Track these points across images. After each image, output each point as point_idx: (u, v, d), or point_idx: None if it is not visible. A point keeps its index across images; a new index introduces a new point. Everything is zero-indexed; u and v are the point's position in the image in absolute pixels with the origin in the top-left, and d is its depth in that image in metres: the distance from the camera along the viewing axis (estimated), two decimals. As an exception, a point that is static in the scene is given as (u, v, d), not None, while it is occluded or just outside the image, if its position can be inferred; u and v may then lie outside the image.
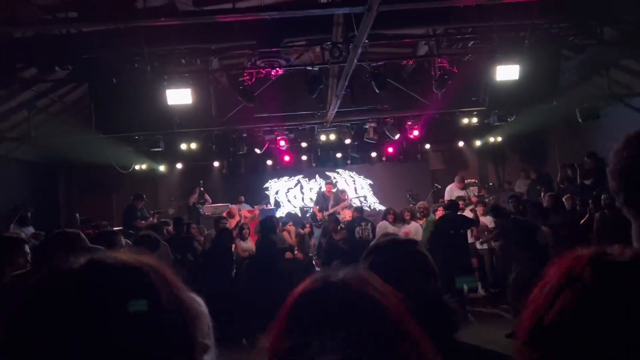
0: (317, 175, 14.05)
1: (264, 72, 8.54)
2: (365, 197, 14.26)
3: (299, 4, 6.15)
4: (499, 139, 13.52)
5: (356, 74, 7.81)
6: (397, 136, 11.88)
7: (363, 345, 0.73)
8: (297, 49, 8.67)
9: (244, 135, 11.74)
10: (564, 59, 8.56)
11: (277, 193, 14.30)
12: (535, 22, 7.68)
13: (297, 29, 7.41)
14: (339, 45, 7.05)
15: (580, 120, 10.24)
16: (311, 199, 13.52)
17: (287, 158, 13.61)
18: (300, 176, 14.34)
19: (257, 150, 12.45)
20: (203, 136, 11.46)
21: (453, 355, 0.78)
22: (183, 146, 11.45)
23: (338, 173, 14.43)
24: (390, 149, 13.81)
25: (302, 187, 14.32)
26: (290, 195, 14.34)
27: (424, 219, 9.60)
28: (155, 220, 9.86)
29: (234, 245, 8.59)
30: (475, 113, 11.19)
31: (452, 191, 11.40)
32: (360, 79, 8.75)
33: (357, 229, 9.22)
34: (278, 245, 8.33)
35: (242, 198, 12.25)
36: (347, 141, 12.38)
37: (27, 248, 3.22)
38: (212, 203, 12.40)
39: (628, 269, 0.72)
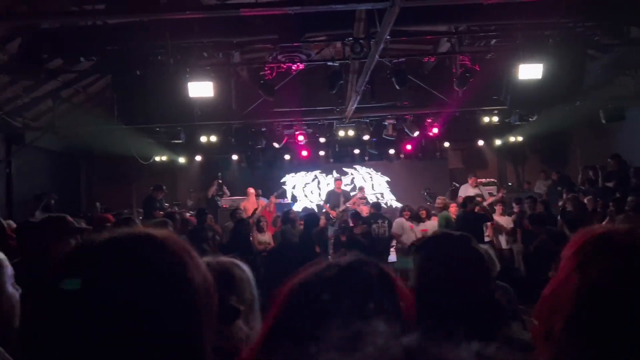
0: (334, 171, 14.06)
1: (284, 66, 8.57)
2: (382, 194, 14.22)
3: (322, -1, 6.15)
4: (520, 138, 13.35)
5: (376, 70, 7.79)
6: (416, 133, 11.81)
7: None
8: (318, 44, 8.68)
9: (263, 129, 11.81)
10: (589, 59, 8.42)
11: (294, 188, 14.35)
12: (560, 21, 7.56)
13: (318, 24, 7.41)
14: (361, 41, 7.05)
15: (603, 121, 10.07)
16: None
17: (304, 153, 13.63)
18: (318, 171, 14.36)
19: (276, 145, 12.51)
20: (223, 129, 11.55)
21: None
22: (203, 139, 11.56)
23: (355, 169, 14.42)
24: (408, 146, 13.75)
25: (319, 183, 14.34)
26: (307, 190, 14.38)
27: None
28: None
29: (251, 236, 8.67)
30: (496, 112, 11.08)
31: (466, 190, 11.34)
32: (381, 75, 8.73)
33: (374, 225, 9.21)
34: (296, 239, 8.37)
35: (259, 191, 12.32)
36: (366, 137, 12.35)
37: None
38: (230, 196, 12.50)
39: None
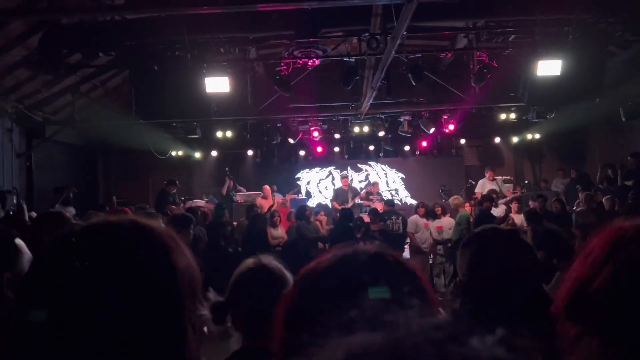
0: (348, 167, 14.04)
1: (300, 62, 8.57)
2: (396, 190, 14.18)
3: (339, -6, 6.15)
4: (537, 136, 13.20)
5: (392, 66, 7.75)
6: (432, 130, 11.74)
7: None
8: (334, 39, 8.66)
9: (278, 125, 11.85)
10: (609, 55, 8.28)
11: (308, 183, 14.38)
12: (580, 17, 7.44)
13: (335, 19, 7.40)
14: (377, 36, 7.01)
15: (623, 119, 9.91)
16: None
17: (319, 149, 13.65)
18: (332, 167, 14.36)
19: (291, 140, 12.53)
20: (238, 125, 11.61)
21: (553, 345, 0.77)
22: (219, 134, 11.63)
23: (370, 166, 14.39)
24: (424, 143, 13.68)
25: (333, 179, 14.35)
26: (322, 186, 14.39)
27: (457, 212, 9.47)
28: (185, 207, 10.04)
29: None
30: (513, 109, 10.96)
31: (484, 184, 11.27)
32: (396, 71, 8.68)
33: (388, 222, 9.20)
34: (311, 234, 8.40)
35: (275, 187, 12.36)
36: (381, 134, 12.32)
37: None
38: (245, 192, 12.56)
39: None
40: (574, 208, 9.32)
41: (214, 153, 13.91)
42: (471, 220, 9.07)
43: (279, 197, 11.11)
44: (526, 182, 13.57)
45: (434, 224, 9.45)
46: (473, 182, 12.43)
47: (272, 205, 10.19)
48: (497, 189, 10.76)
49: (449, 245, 9.28)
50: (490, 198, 9.02)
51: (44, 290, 0.74)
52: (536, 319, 0.84)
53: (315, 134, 12.07)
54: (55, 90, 9.58)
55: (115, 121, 10.08)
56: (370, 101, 9.39)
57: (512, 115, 11.26)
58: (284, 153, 14.37)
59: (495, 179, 11.39)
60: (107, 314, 0.72)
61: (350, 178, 12.76)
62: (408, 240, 9.41)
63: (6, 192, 8.32)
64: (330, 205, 13.08)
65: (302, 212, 8.97)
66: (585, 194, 8.67)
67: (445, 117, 11.65)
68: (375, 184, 12.23)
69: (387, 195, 12.67)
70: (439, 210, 9.63)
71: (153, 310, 0.75)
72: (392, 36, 6.31)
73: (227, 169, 12.72)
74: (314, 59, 8.49)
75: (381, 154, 14.34)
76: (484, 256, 1.54)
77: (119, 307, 0.72)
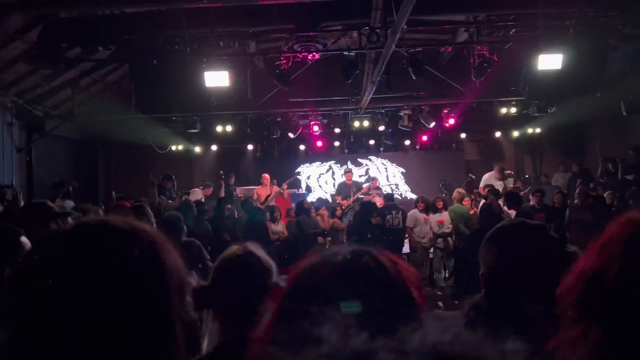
0: (349, 162, 14.03)
1: (300, 56, 8.55)
2: (397, 185, 14.17)
3: (339, -13, 6.12)
4: (538, 130, 13.17)
5: (392, 61, 7.73)
6: (433, 124, 11.72)
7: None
8: (334, 33, 8.63)
9: (278, 119, 11.84)
10: (610, 49, 8.24)
11: (308, 178, 14.37)
12: (581, 10, 7.41)
13: (334, 13, 7.37)
14: (377, 30, 6.99)
15: (624, 113, 9.88)
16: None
17: (319, 143, 13.63)
18: (332, 162, 14.35)
19: (291, 135, 12.52)
20: (238, 119, 11.59)
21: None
22: (218, 128, 11.62)
23: (370, 160, 14.38)
24: (424, 138, 13.65)
25: (333, 173, 14.34)
26: (322, 180, 14.39)
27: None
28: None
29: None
30: (514, 103, 10.94)
31: (489, 179, 11.20)
32: (396, 65, 8.65)
33: (388, 216, 9.20)
34: (311, 229, 8.41)
35: (275, 181, 12.36)
36: (381, 128, 12.30)
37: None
38: (244, 186, 12.55)
39: None
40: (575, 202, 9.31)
41: (214, 147, 13.90)
42: (471, 213, 9.06)
43: (276, 187, 11.10)
44: (526, 176, 13.57)
45: (434, 218, 9.44)
46: (473, 177, 12.41)
47: (269, 195, 10.18)
48: (501, 188, 10.65)
49: (450, 239, 9.28)
50: (496, 192, 9.00)
51: (32, 287, 0.75)
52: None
53: (315, 128, 12.06)
54: (55, 84, 9.56)
55: (115, 115, 10.07)
56: (371, 95, 9.37)
57: (513, 110, 11.24)
58: (284, 147, 14.36)
59: (506, 178, 11.28)
60: (94, 310, 0.73)
61: (358, 173, 12.76)
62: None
63: (5, 187, 8.32)
64: (330, 200, 13.09)
65: (301, 206, 8.98)
66: (580, 189, 8.62)
67: (446, 111, 11.63)
68: (374, 179, 12.23)
69: (387, 190, 12.67)
70: (439, 204, 9.62)
71: (141, 306, 0.76)
72: (392, 30, 6.29)
73: (221, 172, 12.72)
74: (314, 53, 8.46)
75: (381, 149, 14.33)
76: (511, 250, 1.51)
77: (107, 303, 0.73)
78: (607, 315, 0.73)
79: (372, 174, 13.73)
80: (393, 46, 6.60)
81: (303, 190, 13.46)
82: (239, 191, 12.14)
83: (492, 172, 11.38)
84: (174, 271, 0.81)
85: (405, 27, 6.28)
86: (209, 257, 4.56)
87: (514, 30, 8.31)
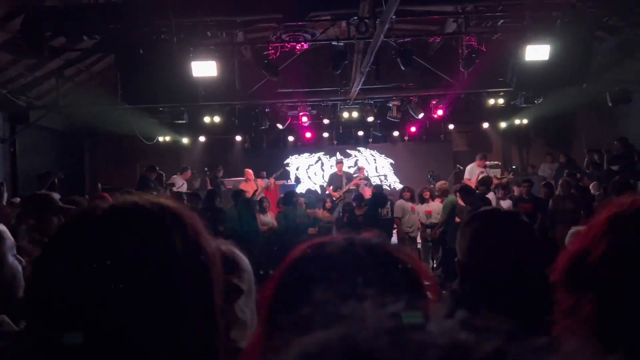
0: (337, 153, 14.03)
1: (289, 46, 8.49)
2: (385, 176, 14.21)
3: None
4: (525, 121, 13.26)
5: (381, 51, 7.71)
6: (421, 115, 11.74)
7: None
8: (323, 23, 8.58)
9: (266, 110, 11.78)
10: (596, 41, 8.31)
11: (297, 169, 14.36)
12: (568, 1, 7.45)
13: (323, 3, 7.33)
14: (366, 20, 6.96)
15: (610, 104, 9.99)
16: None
17: (308, 135, 13.61)
18: (321, 153, 14.34)
19: (279, 126, 12.48)
20: (226, 110, 11.51)
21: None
22: (206, 119, 11.53)
23: (359, 151, 14.39)
24: (413, 129, 13.69)
25: (322, 164, 14.34)
26: (311, 172, 14.38)
27: (442, 198, 9.51)
28: (169, 193, 9.99)
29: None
30: (501, 94, 10.99)
31: (472, 170, 11.27)
32: (385, 56, 8.63)
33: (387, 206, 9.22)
34: (300, 220, 8.41)
35: (264, 174, 12.32)
36: (370, 119, 12.30)
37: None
38: (233, 177, 12.50)
39: None
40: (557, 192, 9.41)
41: (202, 138, 13.81)
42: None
43: (262, 182, 11.06)
44: (514, 167, 13.68)
45: (422, 208, 9.48)
46: (461, 168, 12.48)
47: (256, 190, 10.15)
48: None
49: (437, 229, 9.34)
50: (485, 183, 9.05)
51: (65, 270, 0.71)
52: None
53: (304, 119, 12.01)
54: (38, 74, 9.40)
55: (101, 106, 9.94)
56: (359, 86, 9.35)
57: (501, 101, 11.30)
58: (273, 138, 14.31)
59: (486, 167, 11.38)
60: (137, 296, 0.70)
61: (347, 164, 12.78)
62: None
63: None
64: (319, 191, 13.10)
65: (289, 198, 8.96)
66: (562, 180, 8.71)
67: (434, 102, 11.65)
68: (361, 169, 12.24)
69: (375, 181, 12.69)
70: (427, 194, 9.65)
71: (187, 295, 0.73)
72: (381, 20, 6.27)
73: (206, 168, 12.66)
74: (303, 43, 8.41)
75: (370, 140, 14.35)
76: (484, 235, 1.54)
77: (152, 289, 0.70)
78: (597, 288, 0.76)
79: (360, 165, 13.75)
80: (382, 36, 6.58)
81: (292, 181, 13.45)
82: (227, 183, 12.08)
83: (475, 162, 11.44)
84: (214, 257, 0.78)
85: (394, 17, 6.26)
86: None
87: (501, 21, 8.33)
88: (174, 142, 13.51)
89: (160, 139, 12.75)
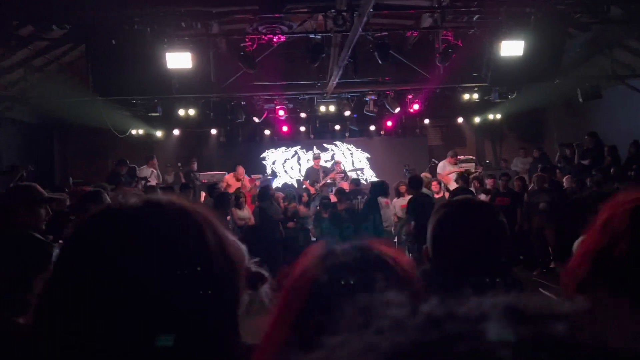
0: (314, 147, 14.00)
1: (265, 38, 8.40)
2: (362, 170, 14.25)
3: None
4: (498, 116, 13.47)
5: (358, 45, 7.70)
6: (397, 110, 11.80)
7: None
8: (300, 15, 8.51)
9: (242, 103, 11.65)
10: (568, 37, 8.47)
11: (274, 163, 14.27)
12: (542, -3, 7.57)
13: (300, -5, 7.28)
14: (343, 13, 6.93)
15: (581, 99, 10.20)
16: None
17: (285, 128, 13.53)
18: (298, 147, 14.28)
19: (256, 119, 12.36)
20: (201, 103, 11.34)
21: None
22: (181, 112, 11.33)
23: (336, 145, 14.39)
24: (389, 123, 13.75)
25: (299, 158, 14.28)
26: (287, 166, 14.32)
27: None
28: (141, 187, 9.82)
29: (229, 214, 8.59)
30: (476, 89, 11.12)
31: (444, 167, 11.41)
32: (362, 49, 8.62)
33: (354, 201, 9.23)
34: (276, 215, 8.36)
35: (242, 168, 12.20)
36: (347, 113, 12.31)
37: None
38: (208, 171, 12.35)
39: None
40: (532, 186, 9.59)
41: (176, 132, 13.59)
42: (438, 197, 9.19)
43: (247, 180, 10.96)
44: (487, 161, 13.89)
45: (398, 202, 9.53)
46: (436, 162, 12.61)
47: (239, 188, 10.04)
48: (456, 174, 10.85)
49: (412, 223, 9.40)
50: (464, 177, 9.16)
51: (94, 264, 0.70)
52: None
53: (281, 112, 11.93)
54: (6, 64, 9.08)
55: (72, 98, 9.67)
56: (337, 80, 9.32)
57: (475, 96, 11.43)
58: (249, 132, 14.18)
59: (457, 164, 11.51)
60: (155, 292, 0.68)
61: (323, 159, 12.76)
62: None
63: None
64: (296, 185, 13.06)
65: (265, 192, 8.89)
66: (536, 175, 8.88)
67: (410, 97, 11.72)
68: (338, 163, 12.25)
69: (352, 175, 12.72)
70: (402, 188, 9.71)
71: (217, 295, 0.73)
72: (358, 13, 6.25)
73: (179, 164, 12.49)
74: (279, 35, 8.33)
75: (347, 134, 14.36)
76: (448, 222, 1.55)
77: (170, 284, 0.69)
78: (622, 286, 0.75)
79: (337, 159, 13.75)
80: (360, 29, 6.56)
81: (268, 175, 13.36)
82: (203, 177, 11.92)
83: (446, 159, 11.58)
84: (232, 251, 0.78)
85: (371, 10, 6.25)
86: None
87: (477, 16, 8.41)
88: (147, 136, 13.26)
89: (133, 132, 12.50)
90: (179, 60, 7.39)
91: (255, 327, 0.79)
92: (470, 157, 12.90)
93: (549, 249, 8.27)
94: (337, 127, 14.14)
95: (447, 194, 9.66)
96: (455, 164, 11.48)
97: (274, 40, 8.53)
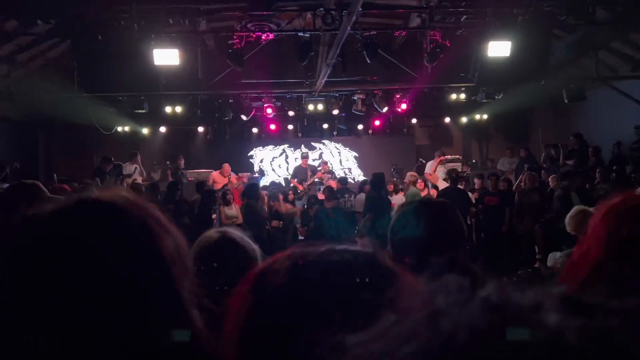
0: (302, 146, 13.99)
1: (254, 36, 8.37)
2: (350, 169, 14.28)
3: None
4: (485, 116, 13.58)
5: (347, 44, 7.70)
6: (385, 109, 11.83)
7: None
8: (289, 13, 8.49)
9: (230, 100, 11.59)
10: (554, 38, 8.56)
11: (261, 161, 14.23)
12: (529, -1, 7.64)
13: (289, -7, 7.26)
14: (332, 12, 6.93)
15: (566, 100, 10.32)
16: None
17: (273, 126, 13.50)
18: (286, 145, 14.26)
19: (243, 117, 12.31)
20: (188, 100, 11.26)
21: None
22: (168, 109, 11.25)
23: (324, 144, 14.39)
24: (377, 122, 13.79)
25: (287, 157, 14.26)
26: (275, 164, 14.29)
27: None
28: (125, 185, 9.73)
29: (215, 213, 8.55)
30: (463, 89, 11.19)
31: (432, 166, 11.47)
32: (350, 48, 8.63)
33: (341, 200, 9.25)
34: (262, 213, 8.35)
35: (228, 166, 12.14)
36: (335, 112, 12.32)
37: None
38: (195, 169, 12.28)
39: None
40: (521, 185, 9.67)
41: (163, 129, 13.49)
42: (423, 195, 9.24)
43: (234, 177, 10.91)
44: (473, 161, 14.00)
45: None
46: (423, 161, 12.68)
47: (225, 184, 10.00)
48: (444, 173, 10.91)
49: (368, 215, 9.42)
50: (452, 177, 9.21)
51: (26, 265, 0.69)
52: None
53: (269, 110, 11.90)
54: (-12, 59, 8.95)
55: (57, 94, 9.53)
56: (325, 78, 9.32)
57: (462, 96, 11.51)
58: (236, 130, 14.12)
59: (444, 164, 11.57)
60: (101, 291, 0.68)
61: (311, 157, 12.77)
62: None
63: None
64: (284, 183, 13.04)
65: (252, 190, 8.85)
66: (527, 174, 8.97)
67: (398, 96, 11.76)
68: (324, 162, 12.27)
69: (340, 174, 12.74)
70: (390, 187, 9.74)
71: (151, 288, 0.72)
72: (347, 12, 6.25)
73: (168, 162, 12.40)
74: (268, 33, 8.31)
75: (335, 133, 14.37)
76: (404, 222, 1.59)
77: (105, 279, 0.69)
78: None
79: (325, 158, 13.76)
80: (349, 28, 6.57)
81: (256, 173, 13.33)
82: (189, 175, 11.85)
83: (435, 159, 11.63)
84: (172, 246, 0.77)
85: (360, 9, 6.26)
86: None
87: (464, 17, 8.47)
88: (133, 133, 13.14)
89: (119, 129, 12.37)
90: (166, 56, 7.32)
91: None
92: (457, 156, 12.99)
93: (535, 249, 8.36)
94: (325, 125, 14.15)
95: (433, 191, 9.72)
96: (444, 163, 11.55)
97: (263, 38, 8.50)
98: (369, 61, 8.53)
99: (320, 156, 14.12)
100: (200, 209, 8.25)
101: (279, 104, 12.09)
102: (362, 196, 9.46)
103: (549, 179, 8.92)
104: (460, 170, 11.93)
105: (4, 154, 10.27)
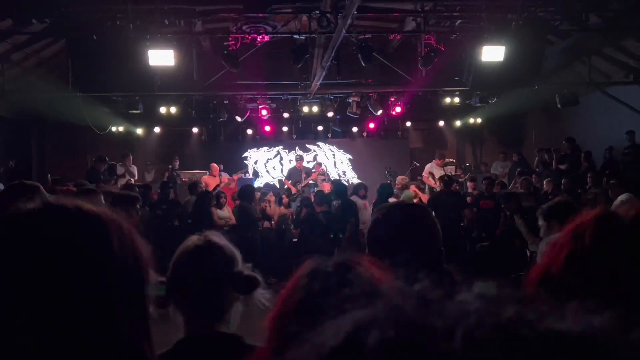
0: (297, 147, 14.01)
1: (249, 37, 8.38)
2: (344, 171, 14.30)
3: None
4: (479, 120, 13.65)
5: (342, 46, 7.73)
6: (380, 112, 11.87)
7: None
8: (284, 15, 8.51)
9: (225, 102, 11.59)
10: (547, 44, 8.63)
11: (256, 163, 14.23)
12: (523, 4, 7.69)
13: (285, -5, 7.28)
14: (328, 14, 6.95)
15: (559, 105, 10.39)
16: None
17: (267, 128, 13.50)
18: (280, 147, 14.27)
19: (238, 118, 12.31)
20: (183, 101, 11.26)
21: None
22: (162, 110, 11.23)
23: (318, 146, 14.41)
24: (371, 125, 13.82)
25: (281, 159, 14.27)
26: (270, 165, 14.29)
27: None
28: (119, 185, 9.71)
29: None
30: (457, 93, 11.24)
31: (431, 169, 11.50)
32: (345, 51, 8.66)
33: (334, 202, 9.24)
34: (254, 214, 8.35)
35: (221, 166, 12.14)
36: (330, 114, 12.34)
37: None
38: (189, 170, 12.26)
39: (628, 227, 0.78)
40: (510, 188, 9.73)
41: (157, 130, 13.46)
42: (415, 201, 9.26)
43: (225, 177, 10.91)
44: (467, 164, 14.06)
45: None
46: (417, 164, 12.71)
47: (218, 185, 10.00)
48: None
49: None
50: (445, 181, 9.24)
51: None
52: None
53: (264, 112, 11.90)
54: (-18, 58, 8.91)
55: (51, 93, 9.50)
56: (320, 81, 9.34)
57: (456, 100, 11.56)
58: (231, 131, 14.12)
59: (444, 166, 11.61)
60: (47, 297, 0.68)
61: (306, 159, 12.80)
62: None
63: None
64: (278, 185, 13.03)
65: (246, 192, 8.84)
66: (522, 179, 9.04)
67: (393, 99, 11.80)
68: (318, 164, 12.28)
69: (334, 176, 12.75)
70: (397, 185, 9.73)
71: (96, 291, 0.71)
72: (343, 15, 6.27)
73: (170, 166, 12.38)
74: (263, 35, 8.32)
75: (329, 135, 14.39)
76: (379, 225, 1.65)
77: (59, 289, 0.69)
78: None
79: (319, 160, 13.78)
80: (344, 31, 6.59)
81: (250, 175, 13.32)
82: (183, 175, 11.83)
83: (434, 161, 11.67)
84: (130, 254, 0.77)
85: (355, 12, 6.28)
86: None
87: (459, 21, 8.52)
88: (128, 133, 13.10)
89: (113, 129, 12.34)
90: (161, 57, 7.32)
91: (254, 329, 0.80)
92: (451, 160, 13.04)
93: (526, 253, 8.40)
94: (320, 127, 14.17)
95: (424, 196, 9.74)
96: (443, 165, 11.58)
97: (258, 39, 8.52)
98: (363, 64, 8.56)
99: (315, 158, 14.15)
100: (194, 210, 8.24)
101: (273, 105, 12.09)
102: (354, 199, 9.48)
103: (544, 183, 8.99)
104: (454, 173, 11.99)
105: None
